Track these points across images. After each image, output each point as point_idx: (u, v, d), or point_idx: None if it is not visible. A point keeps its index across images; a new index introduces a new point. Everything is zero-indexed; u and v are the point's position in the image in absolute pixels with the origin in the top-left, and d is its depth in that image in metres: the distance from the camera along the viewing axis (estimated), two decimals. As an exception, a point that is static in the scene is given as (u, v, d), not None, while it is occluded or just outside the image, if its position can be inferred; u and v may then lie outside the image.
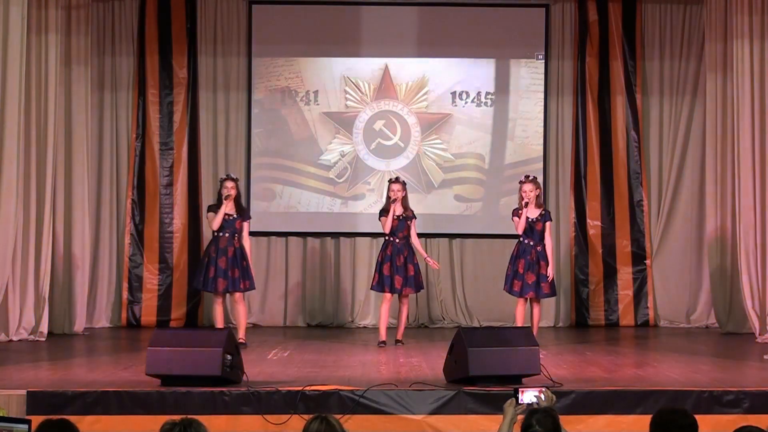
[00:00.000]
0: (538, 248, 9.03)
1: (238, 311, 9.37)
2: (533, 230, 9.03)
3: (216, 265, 9.14)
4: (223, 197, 9.20)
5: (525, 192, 9.01)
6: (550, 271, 9.04)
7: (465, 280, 11.35)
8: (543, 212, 9.10)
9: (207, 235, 11.11)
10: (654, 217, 11.38)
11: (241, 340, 9.09)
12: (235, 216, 9.23)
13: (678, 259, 11.34)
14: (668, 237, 11.36)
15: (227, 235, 9.20)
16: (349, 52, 11.35)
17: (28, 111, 9.48)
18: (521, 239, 9.08)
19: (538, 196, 9.09)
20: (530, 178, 9.17)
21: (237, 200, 9.30)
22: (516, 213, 9.10)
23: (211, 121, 11.28)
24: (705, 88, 10.70)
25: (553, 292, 9.19)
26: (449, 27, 11.32)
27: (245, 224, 9.30)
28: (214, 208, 9.30)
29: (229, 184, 9.24)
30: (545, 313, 11.20)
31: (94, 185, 10.91)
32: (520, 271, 9.01)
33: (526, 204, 8.97)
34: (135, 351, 8.79)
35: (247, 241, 9.31)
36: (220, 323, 9.22)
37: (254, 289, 9.65)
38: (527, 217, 8.99)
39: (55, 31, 9.68)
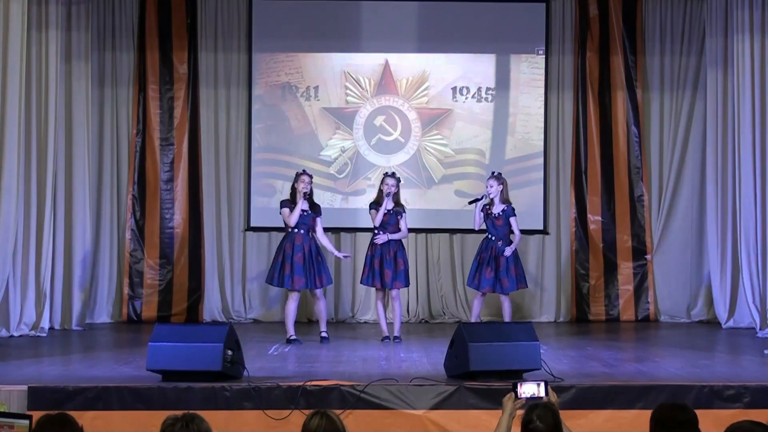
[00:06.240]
0: (499, 243, 9.25)
1: (319, 307, 9.33)
2: (494, 225, 9.28)
3: (292, 261, 9.09)
4: (300, 193, 9.13)
5: (487, 188, 9.32)
6: (508, 250, 9.23)
7: (465, 275, 11.32)
8: (505, 208, 9.32)
9: (208, 232, 11.15)
10: (654, 212, 11.37)
11: (324, 334, 9.21)
12: (309, 212, 9.20)
13: (679, 253, 11.33)
14: (669, 232, 11.35)
15: (302, 231, 9.17)
16: (350, 48, 11.34)
17: (29, 107, 9.48)
18: (485, 234, 9.37)
19: (502, 192, 9.30)
20: (495, 174, 9.42)
21: (309, 196, 9.26)
22: (482, 209, 9.39)
23: (211, 116, 11.28)
24: (706, 83, 10.72)
25: (513, 287, 9.32)
26: (449, 22, 11.31)
27: (318, 220, 9.27)
28: (286, 203, 9.24)
29: (308, 179, 9.20)
30: (546, 308, 11.24)
31: (95, 181, 10.91)
32: (481, 264, 9.30)
33: (477, 199, 9.30)
34: (136, 346, 8.79)
35: (323, 236, 9.33)
36: (292, 319, 9.18)
37: (331, 283, 9.72)
38: (490, 213, 9.27)
39: (55, 27, 9.68)
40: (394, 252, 9.28)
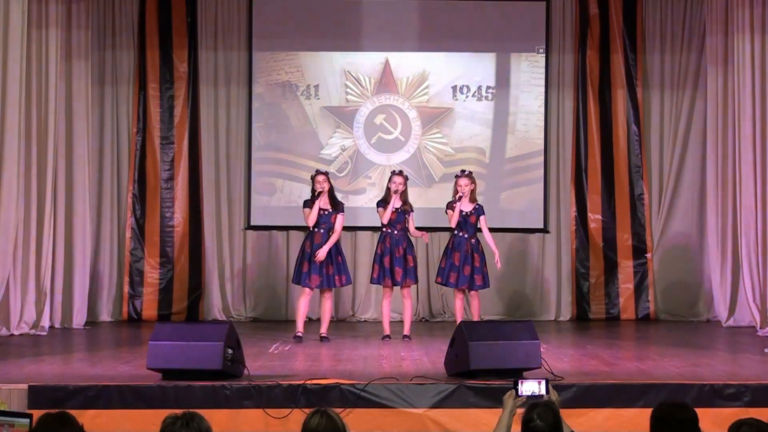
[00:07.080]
0: (472, 240, 9.28)
1: (325, 306, 9.25)
2: (467, 223, 9.29)
3: (310, 260, 9.07)
4: (317, 192, 9.09)
5: (460, 186, 9.28)
6: (498, 260, 9.33)
7: (466, 274, 11.34)
8: (476, 206, 9.33)
9: (208, 230, 11.16)
10: (655, 211, 11.38)
11: (323, 334, 9.14)
12: (330, 210, 9.14)
13: (679, 252, 11.33)
14: (669, 230, 11.35)
15: (322, 230, 9.12)
16: (350, 46, 11.34)
17: (29, 106, 9.48)
18: (455, 232, 9.33)
19: (473, 191, 9.32)
20: (466, 173, 9.44)
21: (331, 194, 9.21)
22: (450, 206, 9.33)
23: (211, 115, 11.28)
24: (706, 81, 10.72)
25: (485, 284, 9.33)
26: (450, 21, 11.31)
27: (339, 217, 9.18)
28: (308, 203, 9.18)
29: (321, 178, 9.13)
30: (547, 307, 11.25)
31: (95, 179, 10.91)
32: (456, 263, 9.27)
33: (460, 198, 9.24)
34: (136, 345, 8.81)
35: (336, 233, 9.15)
36: (302, 316, 9.17)
37: (350, 283, 9.70)
38: (461, 211, 9.24)
39: (55, 26, 9.68)
40: (404, 249, 9.27)
